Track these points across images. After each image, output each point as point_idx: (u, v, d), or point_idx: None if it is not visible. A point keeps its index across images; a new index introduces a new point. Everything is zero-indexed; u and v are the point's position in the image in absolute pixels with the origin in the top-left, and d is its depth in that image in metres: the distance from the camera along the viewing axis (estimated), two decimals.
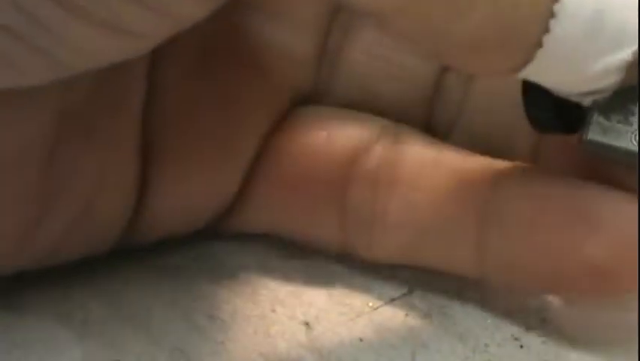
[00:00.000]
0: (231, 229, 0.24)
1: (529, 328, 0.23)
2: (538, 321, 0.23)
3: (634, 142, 0.19)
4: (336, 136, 0.23)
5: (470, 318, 0.23)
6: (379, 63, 0.24)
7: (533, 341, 0.23)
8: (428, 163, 0.22)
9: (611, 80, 0.18)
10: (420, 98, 0.24)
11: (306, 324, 0.22)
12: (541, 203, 0.20)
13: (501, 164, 0.22)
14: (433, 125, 0.24)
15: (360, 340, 0.22)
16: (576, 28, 0.17)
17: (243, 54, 0.23)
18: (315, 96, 0.24)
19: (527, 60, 0.17)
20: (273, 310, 0.23)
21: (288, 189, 0.23)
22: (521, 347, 0.22)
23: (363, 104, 0.24)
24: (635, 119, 0.18)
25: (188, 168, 0.22)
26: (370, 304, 0.23)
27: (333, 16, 0.24)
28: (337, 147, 0.23)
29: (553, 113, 0.19)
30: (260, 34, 0.23)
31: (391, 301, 0.23)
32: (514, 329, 0.23)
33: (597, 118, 0.19)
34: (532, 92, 0.19)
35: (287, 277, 0.24)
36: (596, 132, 0.19)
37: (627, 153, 0.19)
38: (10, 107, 0.19)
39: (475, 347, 0.22)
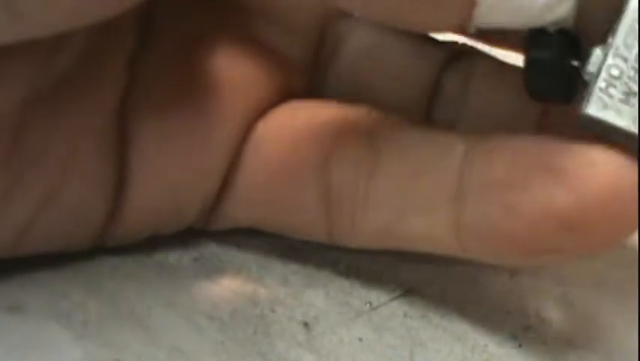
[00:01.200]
0: (221, 226, 0.24)
1: (528, 328, 0.23)
2: (537, 321, 0.23)
3: (635, 124, 0.18)
4: (317, 118, 0.23)
5: (469, 318, 0.23)
6: (375, 64, 0.24)
7: (532, 340, 0.23)
8: (408, 141, 0.22)
9: (566, 7, 0.18)
10: (418, 97, 0.24)
11: (305, 324, 0.23)
12: (512, 161, 0.20)
13: (473, 134, 0.21)
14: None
15: (360, 340, 0.22)
16: None
17: (229, 47, 0.23)
18: (308, 95, 0.24)
19: (472, 4, 0.18)
20: (273, 311, 0.23)
21: (272, 176, 0.23)
22: (520, 346, 0.22)
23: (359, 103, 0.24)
24: (636, 100, 0.18)
25: (168, 159, 0.22)
26: (369, 304, 0.23)
27: (327, 20, 0.24)
28: (319, 129, 0.23)
29: (554, 82, 0.19)
30: (250, 30, 0.23)
31: (390, 301, 0.23)
32: (514, 329, 0.23)
33: (598, 93, 0.19)
34: (533, 58, 0.19)
35: (286, 277, 0.24)
36: (596, 107, 0.19)
37: (626, 134, 0.18)
38: None
39: (473, 347, 0.22)
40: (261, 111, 0.23)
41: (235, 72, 0.23)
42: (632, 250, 0.26)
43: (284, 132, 0.23)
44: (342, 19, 0.25)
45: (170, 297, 0.23)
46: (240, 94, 0.23)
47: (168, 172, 0.22)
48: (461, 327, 0.23)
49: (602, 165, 0.19)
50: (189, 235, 0.24)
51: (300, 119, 0.23)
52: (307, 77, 0.25)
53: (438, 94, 0.25)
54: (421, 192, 0.21)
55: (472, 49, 0.25)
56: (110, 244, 0.23)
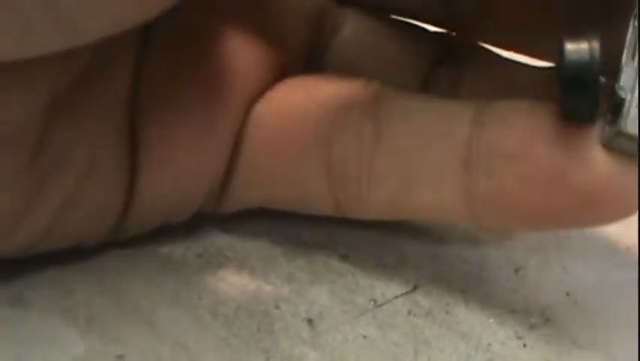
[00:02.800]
0: (230, 208, 0.24)
1: (532, 327, 0.23)
2: (541, 320, 0.23)
3: None
4: (316, 91, 0.23)
5: (473, 316, 0.23)
6: (367, 52, 0.25)
7: (536, 340, 0.23)
8: (411, 110, 0.22)
9: None
10: (412, 87, 0.24)
11: (310, 321, 0.22)
12: (523, 134, 0.20)
13: (480, 101, 0.21)
14: None
15: (364, 337, 0.22)
16: None
17: (228, 33, 0.23)
18: None
19: None
20: (277, 307, 0.23)
21: (274, 154, 0.23)
22: (524, 346, 0.22)
23: None
24: None
25: (175, 147, 0.22)
26: (374, 301, 0.23)
27: (325, 8, 0.25)
28: (318, 104, 0.22)
29: (592, 100, 0.18)
30: (249, 16, 0.23)
31: (395, 298, 0.23)
32: (518, 328, 0.23)
33: (635, 111, 0.18)
34: (573, 74, 0.18)
35: (291, 274, 0.24)
36: (634, 125, 0.18)
37: None
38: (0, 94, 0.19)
39: (477, 346, 0.22)
40: (260, 93, 0.23)
41: (235, 58, 0.23)
42: (635, 251, 0.26)
43: (283, 110, 0.23)
44: (340, 7, 0.25)
45: (174, 293, 0.23)
46: (241, 79, 0.23)
47: (175, 160, 0.22)
48: (465, 325, 0.23)
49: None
50: (194, 231, 0.24)
51: (298, 96, 0.23)
52: (305, 64, 0.25)
53: (431, 88, 0.25)
54: (429, 162, 0.21)
55: (466, 44, 0.25)
56: (123, 237, 0.23)
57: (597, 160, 0.19)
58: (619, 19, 0.19)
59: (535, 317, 0.23)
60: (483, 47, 0.25)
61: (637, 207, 0.19)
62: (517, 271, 0.25)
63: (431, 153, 0.21)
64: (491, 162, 0.20)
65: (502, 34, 0.24)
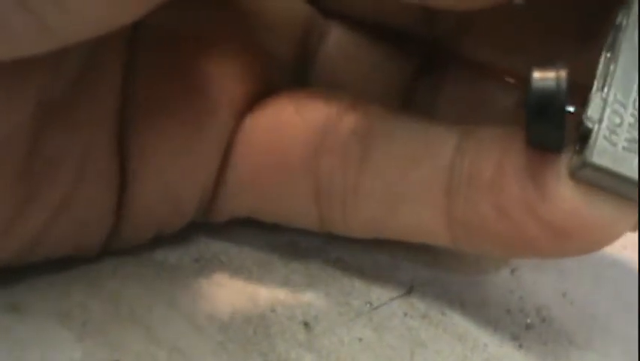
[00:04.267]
0: (220, 217, 0.24)
1: (528, 328, 0.23)
2: (537, 320, 0.23)
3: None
4: (304, 108, 0.23)
5: (469, 318, 0.23)
6: (350, 63, 0.25)
7: (533, 341, 0.23)
8: (397, 133, 0.22)
9: None
10: (393, 98, 0.25)
11: (306, 324, 0.23)
12: (500, 163, 0.20)
13: (463, 127, 0.21)
14: None
15: (360, 340, 0.22)
16: None
17: (217, 45, 0.23)
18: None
19: None
20: (273, 311, 0.23)
21: (261, 168, 0.23)
22: (520, 346, 0.22)
23: None
24: (637, 147, 0.18)
25: (165, 157, 0.22)
26: (370, 304, 0.23)
27: (311, 20, 0.25)
28: (306, 118, 0.23)
29: (558, 129, 0.18)
30: (237, 28, 0.23)
31: (390, 301, 0.23)
32: (514, 329, 0.23)
33: (602, 141, 0.18)
34: (539, 112, 0.18)
35: (287, 277, 0.24)
36: (601, 156, 0.18)
37: (632, 182, 0.18)
38: None
39: (474, 347, 0.22)
40: (249, 105, 0.23)
41: (223, 69, 0.23)
42: (632, 250, 0.26)
43: (271, 126, 0.23)
44: (325, 20, 0.25)
45: (171, 297, 0.23)
46: (229, 91, 0.23)
47: (166, 170, 0.22)
48: (461, 327, 0.23)
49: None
50: (190, 236, 0.24)
51: (286, 112, 0.23)
52: (291, 74, 0.25)
53: (411, 100, 0.25)
54: (413, 184, 0.21)
55: (447, 56, 0.25)
56: (117, 247, 0.23)
57: (563, 193, 0.19)
58: (594, 43, 0.20)
59: (532, 317, 0.23)
60: (464, 60, 0.25)
61: (613, 237, 0.19)
62: (512, 271, 0.25)
63: (415, 177, 0.21)
64: (470, 189, 0.20)
65: (481, 52, 0.24)
